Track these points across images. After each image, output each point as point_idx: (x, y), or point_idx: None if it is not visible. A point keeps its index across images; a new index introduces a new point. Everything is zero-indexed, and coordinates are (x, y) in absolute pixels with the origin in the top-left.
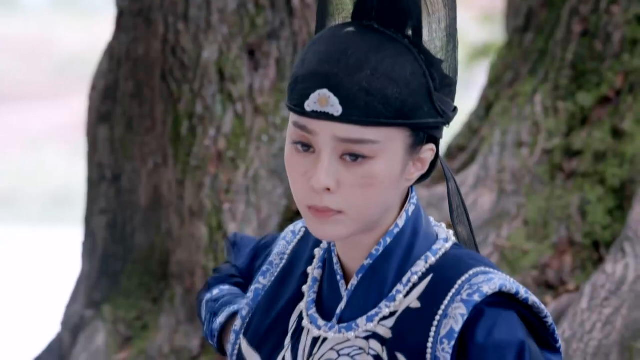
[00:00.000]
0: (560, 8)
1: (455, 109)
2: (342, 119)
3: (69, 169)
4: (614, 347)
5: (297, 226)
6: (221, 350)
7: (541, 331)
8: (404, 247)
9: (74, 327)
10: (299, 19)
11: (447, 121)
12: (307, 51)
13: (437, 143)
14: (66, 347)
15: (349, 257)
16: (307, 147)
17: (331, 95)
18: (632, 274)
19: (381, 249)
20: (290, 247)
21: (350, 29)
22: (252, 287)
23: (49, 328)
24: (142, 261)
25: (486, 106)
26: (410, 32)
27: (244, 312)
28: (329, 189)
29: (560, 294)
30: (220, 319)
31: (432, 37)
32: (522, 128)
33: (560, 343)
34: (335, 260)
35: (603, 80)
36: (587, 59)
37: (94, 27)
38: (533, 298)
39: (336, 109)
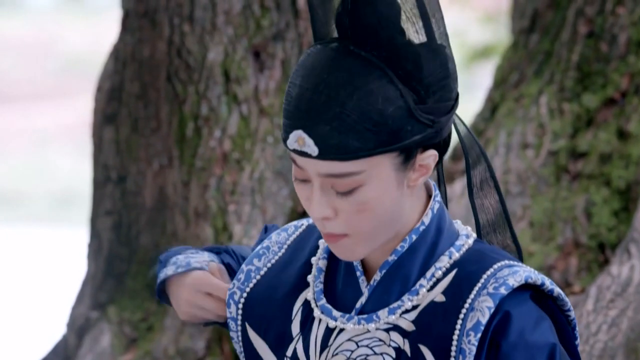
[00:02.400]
0: (566, 9)
1: (454, 105)
2: (320, 157)
3: (73, 169)
4: (620, 349)
5: (300, 222)
6: (162, 298)
7: (566, 332)
8: (428, 244)
9: (79, 328)
10: (304, 20)
11: (440, 127)
12: (293, 77)
13: (437, 146)
14: (71, 348)
15: (371, 253)
16: (302, 180)
17: (306, 136)
18: (637, 275)
19: (407, 245)
20: (291, 239)
21: (328, 52)
22: (245, 268)
23: (55, 329)
24: (148, 262)
25: (491, 107)
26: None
27: (235, 297)
28: (327, 218)
29: (566, 296)
30: (168, 271)
31: (415, 32)
32: (527, 129)
33: (579, 340)
34: None
35: (608, 82)
36: (592, 60)
37: (98, 27)
38: (558, 290)
39: (312, 149)
